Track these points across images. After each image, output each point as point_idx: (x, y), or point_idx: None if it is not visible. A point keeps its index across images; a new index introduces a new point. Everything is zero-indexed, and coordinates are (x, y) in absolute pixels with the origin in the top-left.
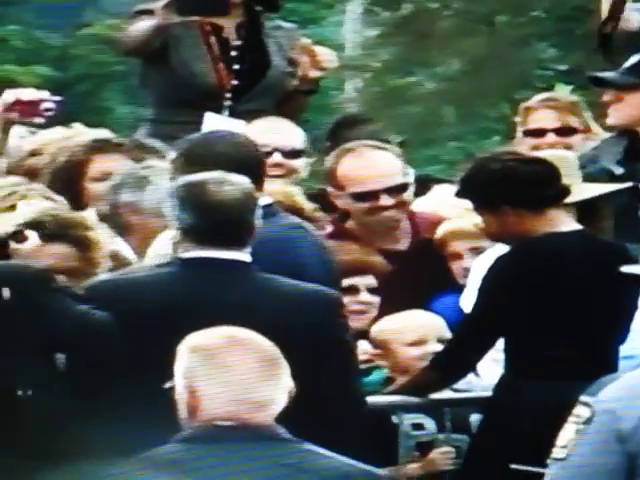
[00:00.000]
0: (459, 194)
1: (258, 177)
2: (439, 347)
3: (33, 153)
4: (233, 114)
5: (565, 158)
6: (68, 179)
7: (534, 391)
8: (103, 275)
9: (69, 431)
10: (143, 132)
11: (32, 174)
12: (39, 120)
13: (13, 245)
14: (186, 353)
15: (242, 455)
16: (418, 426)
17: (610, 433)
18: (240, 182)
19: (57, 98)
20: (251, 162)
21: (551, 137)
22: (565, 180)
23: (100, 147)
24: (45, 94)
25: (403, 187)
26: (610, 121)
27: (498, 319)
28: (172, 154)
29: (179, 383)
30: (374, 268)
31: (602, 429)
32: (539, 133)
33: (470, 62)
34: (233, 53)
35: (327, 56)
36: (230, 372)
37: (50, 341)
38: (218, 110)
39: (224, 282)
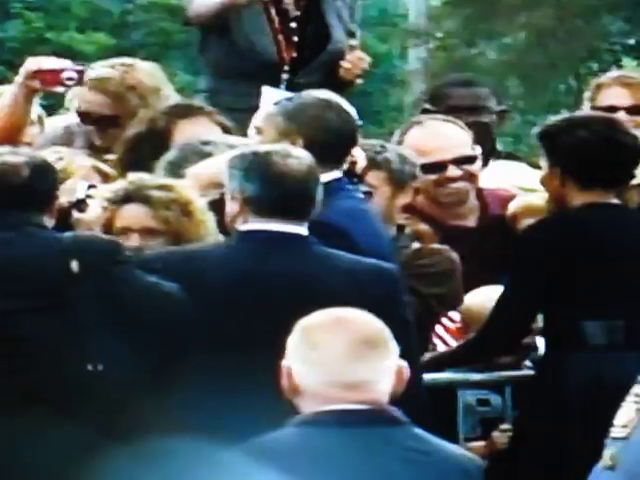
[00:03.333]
0: (538, 136)
1: (348, 152)
2: None
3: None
4: (291, 87)
5: None
6: (153, 147)
7: (573, 363)
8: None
9: (141, 407)
10: (200, 102)
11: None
12: (61, 89)
13: (75, 214)
14: (294, 332)
15: (369, 438)
16: (484, 402)
17: None
18: (304, 156)
19: (79, 67)
20: (350, 137)
21: (622, 115)
22: None
23: (183, 113)
24: (67, 63)
25: (471, 159)
26: None
27: (532, 290)
28: (270, 108)
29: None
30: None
31: None
32: (609, 110)
33: (536, 34)
34: (292, 25)
35: (358, 62)
36: (317, 351)
37: (120, 314)
38: (276, 82)
39: (284, 255)
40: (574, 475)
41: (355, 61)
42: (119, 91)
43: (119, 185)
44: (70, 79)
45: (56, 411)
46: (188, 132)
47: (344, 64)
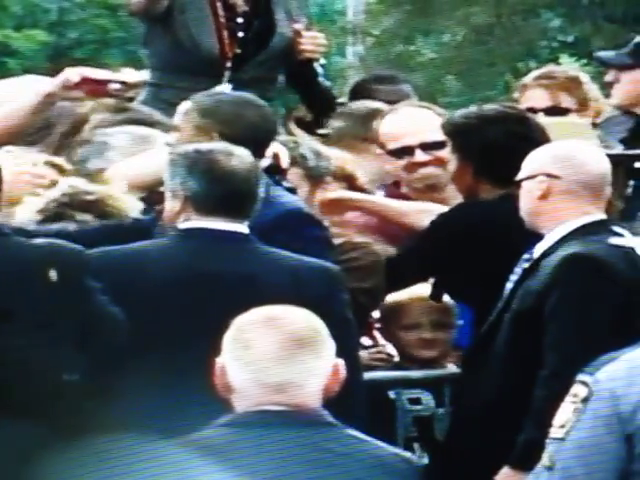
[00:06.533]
0: (444, 127)
1: (266, 147)
2: (428, 335)
3: None
4: (234, 82)
5: (581, 125)
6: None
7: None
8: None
9: (88, 408)
10: (142, 96)
11: None
12: (107, 100)
13: None
14: (229, 330)
15: (284, 440)
16: (415, 401)
17: (609, 414)
18: (244, 154)
19: (123, 78)
20: (268, 132)
21: (541, 117)
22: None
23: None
24: (109, 74)
25: (439, 144)
26: (612, 101)
27: (429, 259)
28: (186, 105)
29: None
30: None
31: (601, 410)
32: (529, 112)
33: (474, 31)
34: (239, 20)
35: (313, 40)
36: (247, 350)
37: (84, 324)
38: (218, 78)
39: (225, 254)
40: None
41: (310, 40)
42: None
43: (52, 195)
44: (117, 90)
45: (20, 415)
46: None
47: (300, 46)
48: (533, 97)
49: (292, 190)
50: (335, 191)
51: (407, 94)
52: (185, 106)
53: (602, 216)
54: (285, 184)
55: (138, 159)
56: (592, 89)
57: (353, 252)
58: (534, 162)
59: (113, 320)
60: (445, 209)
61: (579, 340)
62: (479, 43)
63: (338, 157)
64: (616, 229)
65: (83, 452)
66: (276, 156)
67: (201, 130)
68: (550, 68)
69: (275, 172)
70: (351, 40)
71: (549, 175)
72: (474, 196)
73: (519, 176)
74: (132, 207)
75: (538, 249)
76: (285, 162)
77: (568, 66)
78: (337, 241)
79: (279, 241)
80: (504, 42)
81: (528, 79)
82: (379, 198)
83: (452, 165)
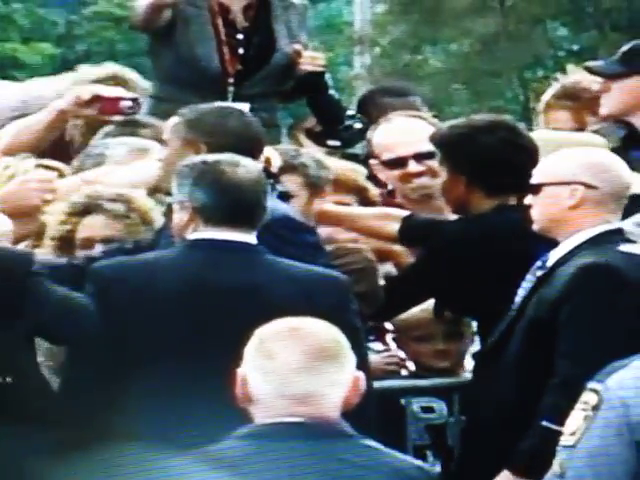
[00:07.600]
0: (433, 139)
1: (254, 155)
2: (442, 346)
3: None
4: (237, 97)
5: (598, 144)
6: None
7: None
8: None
9: (115, 421)
10: (145, 108)
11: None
12: (118, 118)
13: None
14: (251, 340)
15: (302, 453)
16: (427, 409)
17: (619, 422)
18: (251, 164)
19: (134, 96)
20: (256, 142)
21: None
22: None
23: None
24: (122, 91)
25: (433, 154)
26: (602, 111)
27: (431, 281)
28: (173, 120)
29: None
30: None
31: (611, 418)
32: None
33: (481, 40)
34: (239, 36)
35: (313, 60)
36: (271, 361)
37: (30, 326)
38: (220, 93)
39: (233, 265)
40: None
41: (308, 59)
42: None
43: (77, 198)
44: (130, 108)
45: None
46: None
47: (300, 66)
48: (558, 119)
49: (287, 194)
50: (331, 201)
51: (416, 107)
52: (172, 121)
53: (619, 224)
54: (279, 187)
55: (127, 169)
56: None
57: (346, 257)
58: (564, 168)
59: (69, 313)
60: (405, 213)
61: (592, 349)
62: (486, 53)
63: (348, 168)
64: (630, 236)
65: (91, 462)
66: (267, 160)
67: (188, 143)
68: (571, 82)
69: (267, 176)
70: (358, 50)
71: (585, 184)
72: (464, 207)
73: (540, 180)
74: (154, 209)
75: (552, 257)
76: (276, 166)
77: (583, 75)
78: (330, 247)
79: (269, 246)
80: (511, 52)
81: (550, 97)
82: (347, 208)
83: (442, 177)
